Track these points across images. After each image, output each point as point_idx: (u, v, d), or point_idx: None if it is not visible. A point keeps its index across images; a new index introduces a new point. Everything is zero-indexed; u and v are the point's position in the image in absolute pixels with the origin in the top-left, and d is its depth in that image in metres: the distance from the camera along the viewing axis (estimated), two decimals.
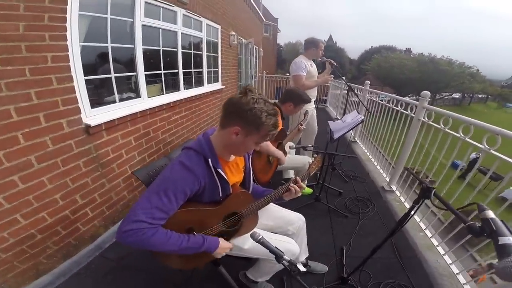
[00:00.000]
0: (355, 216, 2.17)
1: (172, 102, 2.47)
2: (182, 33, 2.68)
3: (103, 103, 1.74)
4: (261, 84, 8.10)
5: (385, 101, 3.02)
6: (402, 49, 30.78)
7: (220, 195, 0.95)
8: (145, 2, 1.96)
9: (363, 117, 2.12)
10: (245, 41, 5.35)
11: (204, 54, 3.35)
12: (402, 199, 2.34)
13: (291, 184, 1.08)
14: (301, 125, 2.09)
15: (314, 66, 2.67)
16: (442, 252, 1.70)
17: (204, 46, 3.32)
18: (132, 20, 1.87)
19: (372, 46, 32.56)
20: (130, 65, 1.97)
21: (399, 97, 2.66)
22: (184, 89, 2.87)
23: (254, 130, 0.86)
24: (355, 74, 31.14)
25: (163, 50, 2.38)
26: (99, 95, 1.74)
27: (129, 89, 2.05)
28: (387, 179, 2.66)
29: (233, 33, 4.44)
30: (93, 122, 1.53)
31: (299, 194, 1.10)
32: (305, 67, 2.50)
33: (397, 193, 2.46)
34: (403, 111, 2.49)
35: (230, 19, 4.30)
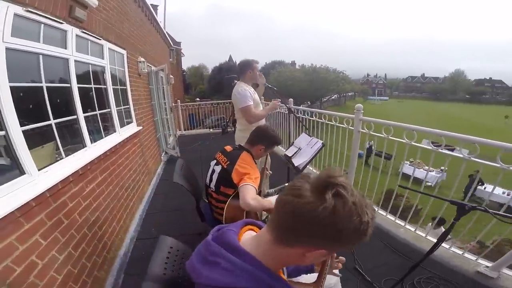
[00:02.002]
0: None
1: (81, 168, 1.61)
2: (76, 61, 1.89)
3: None
4: (177, 114, 7.42)
5: (315, 116, 3.22)
6: (289, 62, 33.57)
7: None
8: (15, 14, 1.18)
9: (322, 142, 2.01)
10: (155, 69, 4.67)
11: (110, 87, 2.53)
12: None
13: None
14: (267, 169, 1.86)
15: (257, 93, 2.50)
16: (434, 240, 1.84)
17: (108, 77, 2.52)
18: None
19: (266, 63, 32.29)
20: None
21: (333, 112, 2.92)
22: (92, 142, 1.99)
23: (339, 247, 0.54)
24: None
25: (47, 87, 1.53)
26: None
27: None
28: None
29: (142, 59, 3.74)
30: None
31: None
32: (251, 95, 2.23)
33: None
34: (339, 125, 2.72)
35: (137, 43, 3.61)
